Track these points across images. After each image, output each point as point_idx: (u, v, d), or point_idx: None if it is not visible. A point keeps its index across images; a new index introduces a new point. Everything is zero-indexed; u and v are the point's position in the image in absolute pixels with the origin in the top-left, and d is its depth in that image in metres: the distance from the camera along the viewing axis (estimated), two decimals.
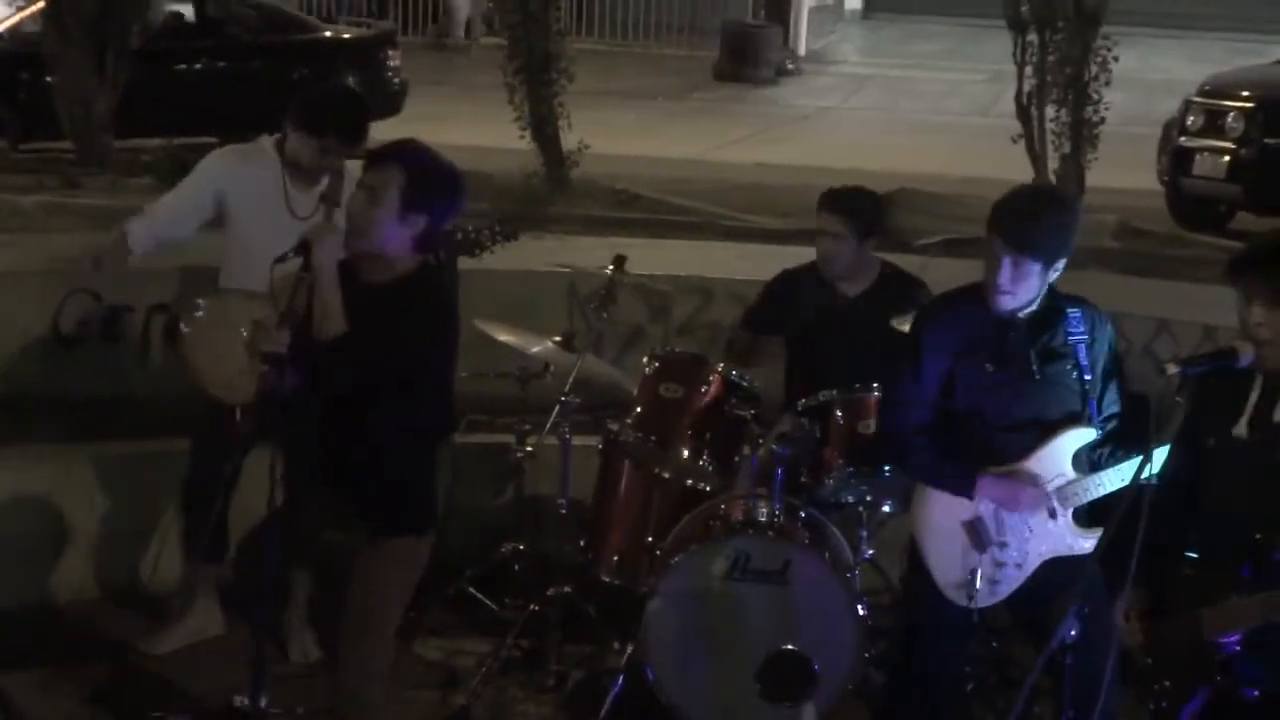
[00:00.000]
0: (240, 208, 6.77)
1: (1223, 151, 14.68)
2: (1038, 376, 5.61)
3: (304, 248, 5.28)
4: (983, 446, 5.65)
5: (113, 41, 14.42)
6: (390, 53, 18.37)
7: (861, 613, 6.34)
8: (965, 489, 5.64)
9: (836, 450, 6.67)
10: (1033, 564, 5.66)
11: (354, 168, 6.84)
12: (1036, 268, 5.51)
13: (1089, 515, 5.67)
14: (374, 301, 5.27)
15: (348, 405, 5.34)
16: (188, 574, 7.18)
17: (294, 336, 5.17)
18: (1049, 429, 5.62)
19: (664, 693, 6.38)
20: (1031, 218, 5.55)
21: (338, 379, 5.27)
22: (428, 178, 5.41)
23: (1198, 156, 14.86)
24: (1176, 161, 15.09)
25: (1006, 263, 5.49)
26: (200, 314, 6.77)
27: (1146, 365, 7.73)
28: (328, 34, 18.95)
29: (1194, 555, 4.94)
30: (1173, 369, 4.76)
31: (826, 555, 6.45)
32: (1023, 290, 5.55)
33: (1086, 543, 5.60)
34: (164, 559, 7.41)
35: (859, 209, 6.99)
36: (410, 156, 5.44)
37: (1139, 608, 4.97)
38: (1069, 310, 5.65)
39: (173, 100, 15.92)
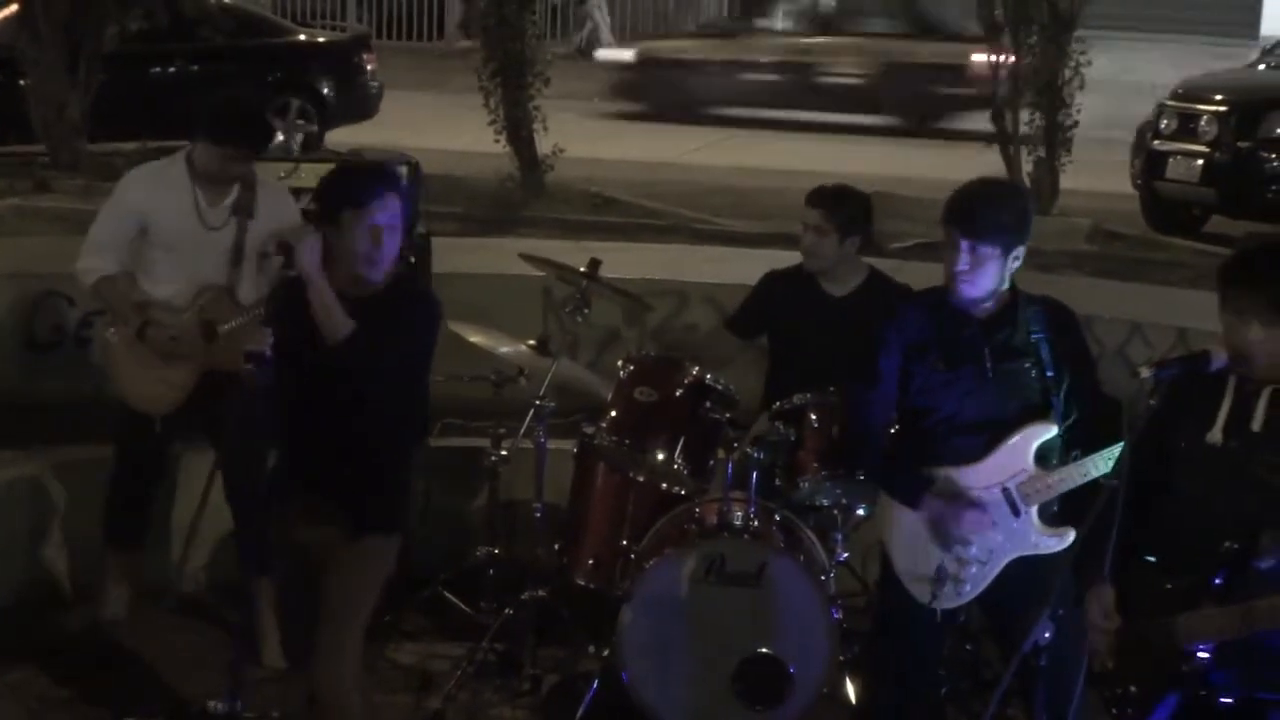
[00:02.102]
0: (157, 224, 6.82)
1: (1196, 155, 14.72)
2: (991, 375, 5.62)
3: (284, 249, 5.32)
4: (941, 446, 5.68)
5: (86, 44, 14.40)
6: (365, 56, 18.37)
7: (836, 616, 6.36)
8: (911, 501, 5.68)
9: (811, 453, 6.67)
10: (998, 562, 5.67)
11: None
12: (995, 253, 5.54)
13: (1058, 515, 5.69)
14: (364, 314, 5.30)
15: (332, 405, 5.35)
16: (104, 560, 7.28)
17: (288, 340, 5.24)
18: (1007, 427, 5.63)
19: (639, 696, 6.38)
20: (986, 203, 5.61)
21: (348, 381, 5.32)
22: (410, 197, 5.53)
23: (1171, 160, 14.90)
24: (1150, 165, 15.13)
25: (964, 249, 5.52)
26: (120, 327, 6.88)
27: (1119, 368, 7.74)
28: (302, 37, 18.93)
29: (1151, 559, 4.90)
30: (1145, 372, 4.76)
31: (801, 558, 6.46)
32: (982, 278, 5.57)
33: (1051, 541, 5.62)
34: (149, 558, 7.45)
35: (841, 205, 7.01)
36: (399, 179, 5.57)
37: (1108, 602, 4.91)
38: (1030, 308, 5.67)
39: (146, 103, 15.87)
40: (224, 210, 6.78)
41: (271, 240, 5.69)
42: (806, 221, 7.03)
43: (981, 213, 5.56)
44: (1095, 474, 5.49)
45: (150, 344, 6.72)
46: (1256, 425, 4.74)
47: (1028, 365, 5.64)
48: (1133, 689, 4.86)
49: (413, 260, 7.68)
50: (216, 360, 6.65)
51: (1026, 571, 5.61)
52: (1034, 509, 5.64)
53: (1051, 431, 5.63)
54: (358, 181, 5.56)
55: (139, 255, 6.84)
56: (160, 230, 6.79)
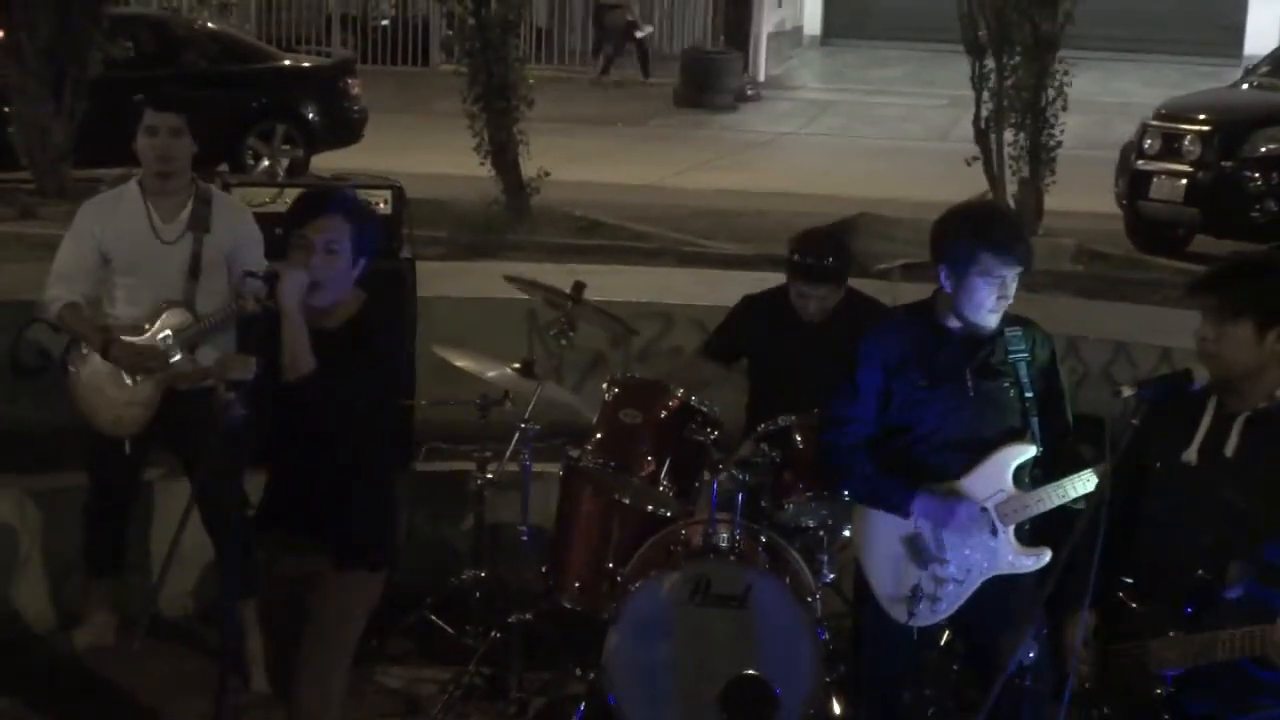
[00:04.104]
0: (115, 246, 6.87)
1: (1180, 175, 14.75)
2: (972, 393, 5.64)
3: (272, 277, 5.30)
4: (920, 464, 5.69)
5: (70, 70, 14.39)
6: (350, 81, 18.37)
7: (822, 637, 6.36)
8: (900, 509, 5.68)
9: (797, 475, 6.68)
10: (974, 581, 5.69)
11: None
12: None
13: (1031, 534, 5.71)
14: (330, 345, 5.29)
15: (301, 436, 5.35)
16: (83, 589, 7.32)
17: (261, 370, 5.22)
18: (987, 446, 5.65)
19: (626, 718, 6.37)
20: (1021, 232, 5.69)
21: (318, 415, 5.31)
22: (366, 220, 5.53)
23: (1155, 180, 14.93)
24: (1134, 185, 15.16)
25: (1010, 279, 5.56)
26: (85, 352, 6.91)
27: (1104, 388, 7.76)
28: (286, 62, 18.93)
29: (1129, 581, 4.91)
30: (1127, 391, 4.79)
31: (787, 580, 6.46)
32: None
33: (1027, 561, 5.65)
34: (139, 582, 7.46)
35: (836, 267, 6.95)
36: (349, 202, 5.53)
37: (1088, 632, 4.94)
38: (1008, 328, 5.68)
39: (131, 129, 15.84)
40: (179, 225, 6.84)
41: (260, 267, 5.69)
42: (808, 293, 6.95)
43: (1023, 241, 5.62)
44: (1073, 495, 5.52)
45: (116, 361, 6.76)
46: (1229, 451, 4.77)
47: (1006, 385, 5.66)
48: (1106, 710, 4.88)
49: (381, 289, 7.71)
50: (178, 375, 6.77)
51: (1000, 591, 5.64)
52: (1010, 529, 5.66)
53: (1030, 452, 5.65)
54: (299, 202, 5.61)
55: (102, 283, 6.90)
56: (119, 252, 6.85)
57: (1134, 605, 4.84)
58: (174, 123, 6.84)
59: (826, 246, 7.03)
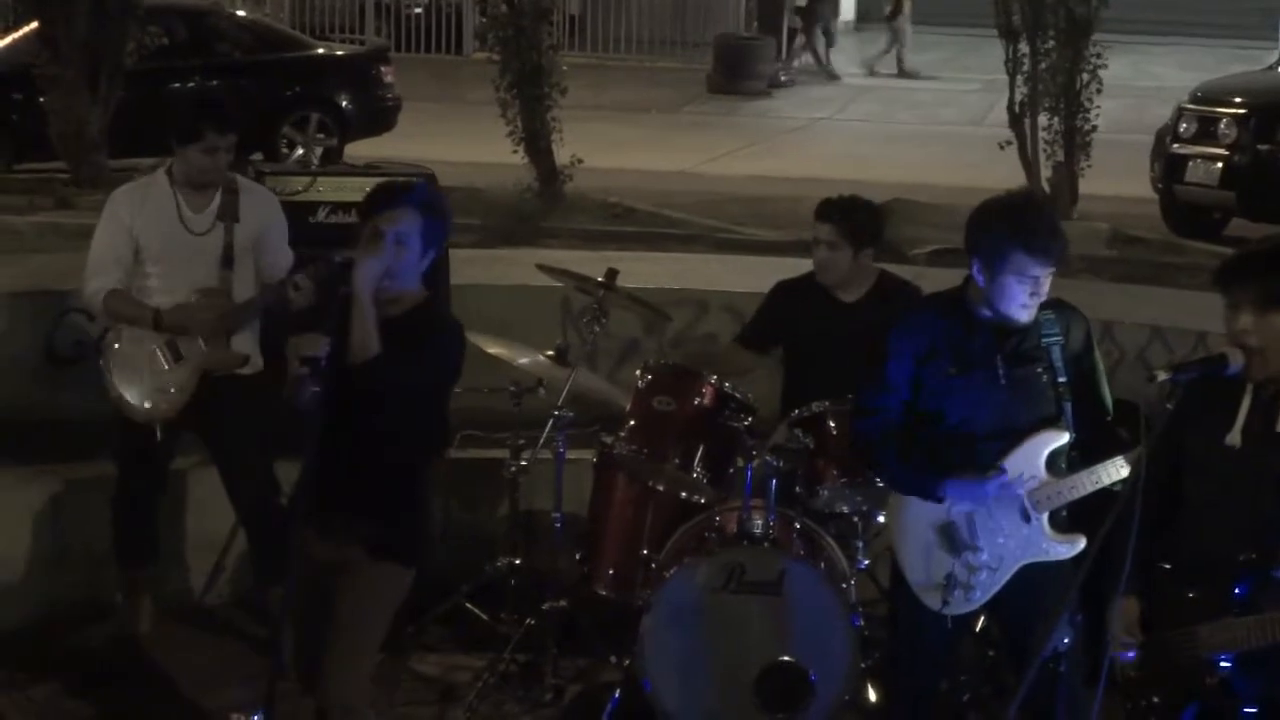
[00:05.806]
0: (145, 237, 6.92)
1: (1216, 158, 14.71)
2: (1003, 380, 5.60)
3: (348, 265, 5.38)
4: (952, 452, 5.65)
5: (105, 61, 14.44)
6: (384, 69, 18.41)
7: (857, 623, 6.35)
8: (934, 496, 5.65)
9: (831, 461, 6.67)
10: (1008, 569, 5.65)
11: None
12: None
13: (1068, 521, 5.68)
14: (391, 333, 5.34)
15: (351, 422, 5.36)
16: (118, 577, 7.36)
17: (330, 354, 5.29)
18: (1019, 434, 5.61)
19: (661, 705, 6.37)
20: (1058, 230, 5.59)
21: (369, 401, 5.35)
22: (439, 215, 5.58)
23: (1191, 163, 14.89)
24: (1170, 169, 15.12)
25: (1044, 278, 5.50)
26: (122, 337, 6.98)
27: (1140, 373, 7.72)
28: (320, 51, 18.97)
29: (1168, 567, 4.90)
30: (1162, 375, 4.76)
31: (822, 566, 6.45)
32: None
33: (1062, 548, 5.61)
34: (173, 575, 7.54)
35: (853, 218, 6.97)
36: (422, 197, 5.58)
37: (1132, 617, 4.94)
38: (1041, 312, 5.63)
39: (166, 119, 15.87)
40: (208, 216, 6.91)
41: (340, 254, 5.74)
42: (818, 236, 7.01)
43: (1059, 241, 5.54)
44: (1106, 481, 5.48)
45: (169, 329, 6.83)
46: None
47: (1040, 370, 5.61)
48: (1155, 699, 4.87)
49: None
50: (214, 360, 6.84)
51: (1036, 578, 5.61)
52: (1044, 515, 5.63)
53: (1063, 438, 5.61)
54: (375, 192, 5.65)
55: (133, 275, 6.94)
56: (149, 244, 6.90)
57: (1185, 592, 4.81)
58: (232, 143, 6.92)
59: (851, 199, 7.10)
